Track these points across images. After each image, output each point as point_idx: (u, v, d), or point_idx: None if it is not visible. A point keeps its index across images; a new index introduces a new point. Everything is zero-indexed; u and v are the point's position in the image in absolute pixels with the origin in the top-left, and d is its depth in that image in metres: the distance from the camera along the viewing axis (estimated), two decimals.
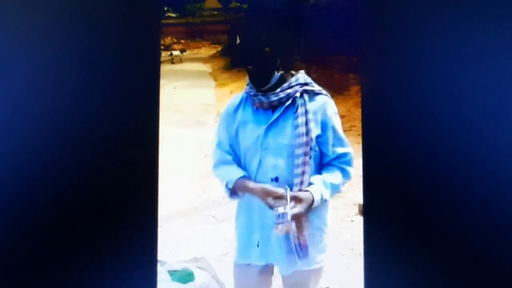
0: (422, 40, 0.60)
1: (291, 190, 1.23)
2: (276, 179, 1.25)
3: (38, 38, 0.54)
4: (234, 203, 1.32)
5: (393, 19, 0.64)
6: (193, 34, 1.69)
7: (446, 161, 0.59)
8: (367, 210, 0.76)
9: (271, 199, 1.23)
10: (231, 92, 1.54)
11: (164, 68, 1.69)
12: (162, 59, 1.68)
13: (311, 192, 1.20)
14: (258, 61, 1.31)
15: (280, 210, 1.21)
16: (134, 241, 0.68)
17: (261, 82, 1.29)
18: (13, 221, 0.54)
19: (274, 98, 1.28)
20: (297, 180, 1.23)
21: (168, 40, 1.66)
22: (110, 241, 0.62)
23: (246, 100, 1.35)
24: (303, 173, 1.22)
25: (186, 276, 1.18)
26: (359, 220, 1.13)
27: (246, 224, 1.31)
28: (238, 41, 1.46)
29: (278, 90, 1.28)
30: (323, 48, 1.51)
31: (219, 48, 1.69)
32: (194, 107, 1.52)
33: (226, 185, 1.30)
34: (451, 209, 0.59)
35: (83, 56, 0.59)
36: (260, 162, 1.28)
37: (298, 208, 1.20)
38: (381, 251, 0.68)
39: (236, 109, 1.36)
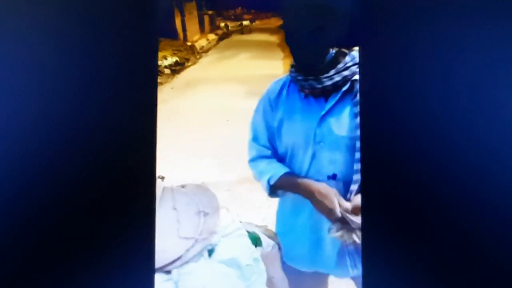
0: (423, 38, 0.58)
1: (349, 188, 1.05)
2: (334, 177, 1.08)
3: (29, 34, 0.57)
4: None
5: (393, 17, 0.62)
6: (262, 5, 1.70)
7: (448, 161, 0.57)
8: (365, 211, 0.74)
9: (329, 208, 1.04)
10: None
11: (234, 38, 1.74)
12: (232, 29, 1.73)
13: None
14: (309, 38, 1.04)
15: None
16: (131, 239, 0.69)
17: (314, 63, 1.06)
18: (9, 221, 0.58)
19: (328, 83, 1.05)
20: (356, 177, 1.04)
21: (238, 10, 1.69)
22: (107, 239, 0.65)
23: (289, 85, 1.15)
24: None
25: (254, 240, 1.16)
26: None
27: (291, 226, 1.17)
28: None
29: (333, 72, 1.06)
30: None
31: None
32: (262, 78, 1.55)
33: (268, 181, 1.14)
34: (453, 211, 0.58)
35: (78, 51, 0.61)
36: (313, 157, 1.09)
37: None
38: (380, 253, 0.67)
39: (277, 98, 1.16)
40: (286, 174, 1.11)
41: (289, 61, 1.69)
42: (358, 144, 1.03)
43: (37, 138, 0.58)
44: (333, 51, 1.06)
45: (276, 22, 1.71)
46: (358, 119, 1.02)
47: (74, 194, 0.58)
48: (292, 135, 1.11)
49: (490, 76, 0.53)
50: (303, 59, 1.08)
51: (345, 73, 1.05)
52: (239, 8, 1.65)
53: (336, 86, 1.05)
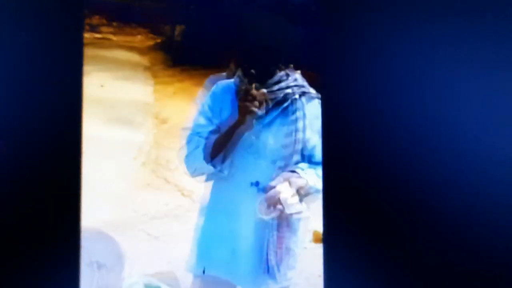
0: (386, 51, 0.56)
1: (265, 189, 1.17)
2: (257, 184, 1.19)
3: None
4: (170, 218, 1.27)
5: (355, 30, 0.59)
6: (128, 17, 1.25)
7: (418, 179, 0.54)
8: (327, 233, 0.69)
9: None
10: (174, 93, 1.37)
11: (89, 52, 1.26)
12: (86, 41, 1.26)
13: (301, 176, 1.13)
14: (259, 56, 1.14)
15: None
16: (55, 251, 0.62)
17: (263, 77, 1.13)
18: None
19: (270, 96, 1.18)
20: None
21: (95, 20, 1.19)
22: (29, 254, 0.59)
23: (235, 93, 1.19)
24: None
25: None
26: (314, 247, 1.11)
27: (213, 229, 1.22)
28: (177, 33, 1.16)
29: (275, 88, 1.19)
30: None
31: (159, 40, 1.36)
32: (128, 104, 1.25)
33: (203, 149, 1.16)
34: (427, 235, 0.55)
35: None
36: (242, 163, 1.19)
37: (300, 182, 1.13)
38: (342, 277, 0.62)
39: (227, 97, 1.19)
40: (212, 132, 1.18)
41: (161, 88, 1.45)
42: (288, 156, 1.16)
43: None
44: (282, 72, 1.19)
45: (144, 41, 1.33)
46: (294, 136, 1.19)
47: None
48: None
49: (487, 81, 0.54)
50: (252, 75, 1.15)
51: (287, 91, 1.19)
52: (97, 16, 1.18)
53: (277, 102, 1.19)
